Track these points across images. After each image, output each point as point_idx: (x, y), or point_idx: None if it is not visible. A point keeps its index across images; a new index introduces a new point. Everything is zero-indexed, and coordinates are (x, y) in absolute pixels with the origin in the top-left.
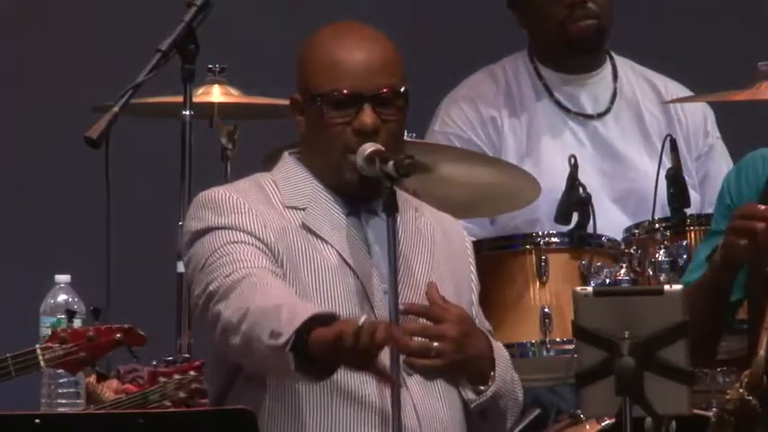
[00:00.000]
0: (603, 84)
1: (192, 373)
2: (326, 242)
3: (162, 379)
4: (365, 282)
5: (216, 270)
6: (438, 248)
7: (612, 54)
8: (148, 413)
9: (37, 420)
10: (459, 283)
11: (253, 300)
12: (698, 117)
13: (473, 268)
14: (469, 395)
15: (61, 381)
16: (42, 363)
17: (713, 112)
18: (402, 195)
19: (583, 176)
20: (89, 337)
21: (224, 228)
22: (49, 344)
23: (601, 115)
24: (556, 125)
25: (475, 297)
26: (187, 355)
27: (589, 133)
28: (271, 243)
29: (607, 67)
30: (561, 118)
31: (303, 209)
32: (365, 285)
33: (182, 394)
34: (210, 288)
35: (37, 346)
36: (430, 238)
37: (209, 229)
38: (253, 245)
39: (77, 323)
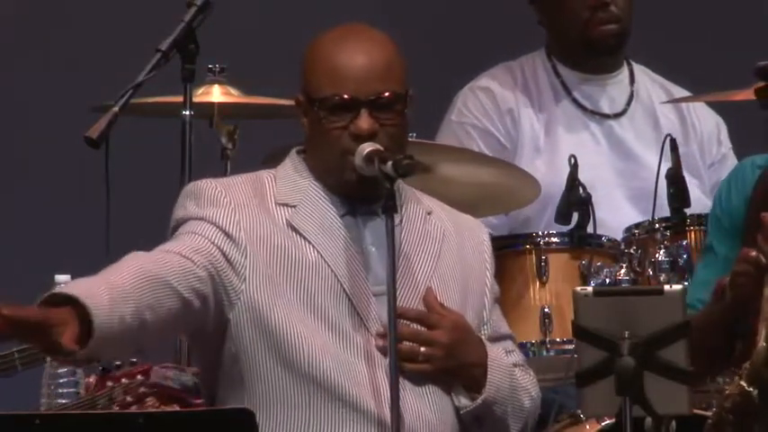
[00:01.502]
0: (621, 86)
1: (139, 377)
2: (308, 241)
3: (109, 383)
4: (347, 283)
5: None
6: (446, 251)
7: (630, 60)
8: (148, 413)
9: (37, 421)
10: (467, 286)
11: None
12: (711, 125)
13: (489, 273)
14: (462, 402)
15: (61, 381)
16: (48, 357)
17: (725, 124)
18: (415, 196)
19: (599, 174)
20: None
21: (198, 219)
22: None
23: (617, 116)
24: (573, 123)
25: (488, 301)
26: (134, 360)
27: (605, 132)
28: (238, 239)
29: (624, 71)
30: (578, 116)
31: (293, 206)
32: (346, 287)
33: (129, 398)
34: None
35: None
36: (438, 239)
37: (186, 219)
38: (208, 238)
39: None
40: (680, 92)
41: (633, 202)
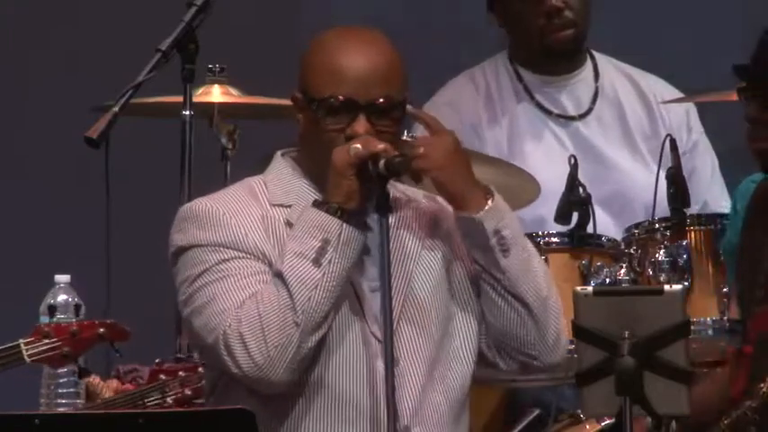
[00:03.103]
0: (584, 84)
1: (200, 369)
2: None
3: (163, 377)
4: (351, 279)
5: (221, 295)
6: (428, 233)
7: (593, 53)
8: (148, 413)
9: (36, 420)
10: (449, 262)
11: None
12: (680, 113)
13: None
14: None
15: (61, 381)
16: (26, 357)
17: (695, 108)
18: (394, 186)
19: (565, 179)
20: (72, 331)
21: (207, 244)
22: (33, 338)
23: (582, 116)
24: (537, 128)
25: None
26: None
27: (571, 135)
28: (253, 249)
29: (588, 67)
30: (542, 120)
31: (289, 206)
32: (352, 282)
33: (187, 391)
34: (228, 322)
35: (21, 340)
36: (420, 224)
37: (192, 245)
38: (237, 258)
39: None
40: (645, 79)
41: (604, 205)
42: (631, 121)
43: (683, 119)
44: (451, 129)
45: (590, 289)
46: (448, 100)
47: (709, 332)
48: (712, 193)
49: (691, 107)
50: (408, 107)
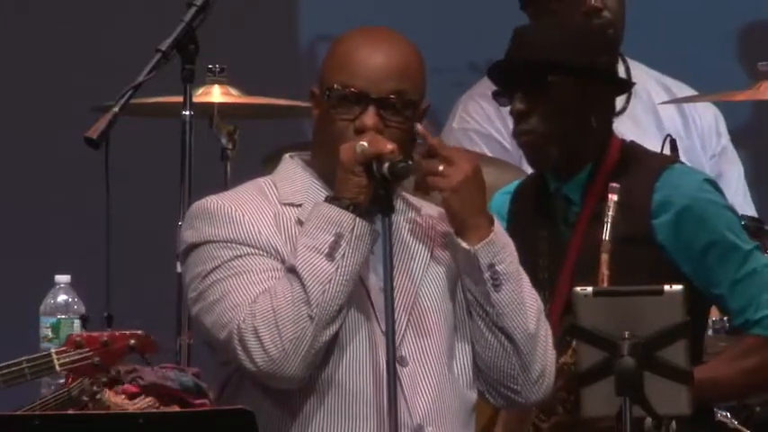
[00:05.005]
0: None
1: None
2: None
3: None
4: (361, 276)
5: (234, 291)
6: (437, 246)
7: (625, 57)
8: (148, 413)
9: (36, 421)
10: (456, 278)
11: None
12: (710, 118)
13: None
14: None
15: (61, 381)
16: (57, 367)
17: (722, 115)
18: (408, 199)
19: None
20: (103, 342)
21: (220, 240)
22: (65, 348)
23: (618, 114)
24: None
25: None
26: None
27: None
28: (267, 245)
29: (620, 69)
30: None
31: (299, 205)
32: (362, 278)
33: (95, 388)
34: (241, 315)
35: (52, 350)
36: (429, 235)
37: (204, 242)
38: (251, 254)
39: (76, 324)
40: (676, 85)
41: None
42: (665, 122)
43: (712, 124)
44: (489, 117)
45: (590, 289)
46: (485, 91)
47: (709, 332)
48: (737, 199)
49: (719, 115)
50: (418, 125)
